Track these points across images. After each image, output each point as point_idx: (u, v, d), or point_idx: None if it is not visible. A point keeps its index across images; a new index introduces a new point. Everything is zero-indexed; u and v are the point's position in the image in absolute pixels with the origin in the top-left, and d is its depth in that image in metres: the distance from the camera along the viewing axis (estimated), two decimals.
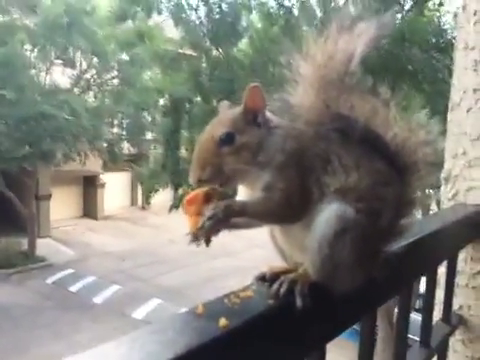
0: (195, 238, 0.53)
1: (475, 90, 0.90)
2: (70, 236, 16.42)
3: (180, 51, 9.76)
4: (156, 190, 10.48)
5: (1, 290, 11.91)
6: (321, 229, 0.52)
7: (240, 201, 0.56)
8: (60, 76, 14.14)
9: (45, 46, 13.20)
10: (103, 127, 15.03)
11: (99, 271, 13.19)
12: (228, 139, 0.56)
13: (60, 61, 14.35)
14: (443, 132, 0.67)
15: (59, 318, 10.41)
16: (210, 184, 0.55)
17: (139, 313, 10.87)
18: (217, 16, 8.17)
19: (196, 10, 8.64)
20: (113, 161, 15.58)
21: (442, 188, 0.99)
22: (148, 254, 14.51)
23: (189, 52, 10.13)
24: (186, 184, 9.72)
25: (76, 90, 14.65)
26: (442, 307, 0.91)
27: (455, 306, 0.95)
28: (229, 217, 0.53)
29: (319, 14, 7.59)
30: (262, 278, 0.56)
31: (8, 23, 12.26)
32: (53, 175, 16.11)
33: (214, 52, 9.02)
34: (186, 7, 9.22)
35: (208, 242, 0.53)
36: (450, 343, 0.96)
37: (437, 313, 0.98)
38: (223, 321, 0.44)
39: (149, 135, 15.41)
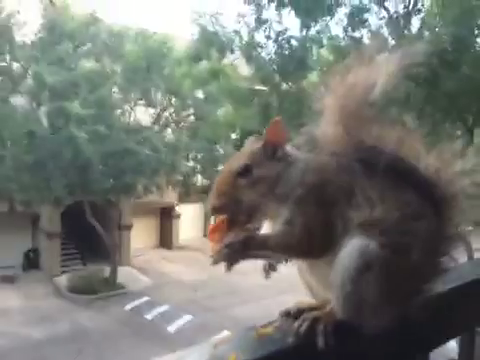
0: (215, 263, 0.53)
1: None
2: (147, 265, 17.17)
3: (251, 87, 10.12)
4: None
5: (84, 315, 12.70)
6: (343, 265, 0.50)
7: (262, 234, 0.55)
8: (142, 115, 15.36)
9: (129, 88, 14.49)
10: (179, 161, 15.86)
11: (173, 300, 13.54)
12: (245, 171, 0.57)
13: (143, 101, 15.59)
14: None
15: (135, 345, 10.77)
16: (225, 213, 0.55)
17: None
18: (286, 52, 8.39)
19: (264, 47, 8.96)
20: (187, 193, 16.27)
21: None
22: (220, 285, 14.62)
23: (259, 87, 10.48)
24: None
25: (156, 127, 15.73)
26: None
27: None
28: (247, 249, 0.53)
29: (391, 42, 7.47)
30: (288, 314, 0.54)
31: (100, 69, 13.71)
32: (133, 207, 17.16)
33: (284, 86, 9.21)
34: (257, 45, 9.61)
35: (229, 268, 0.52)
36: None
37: None
38: (233, 357, 0.43)
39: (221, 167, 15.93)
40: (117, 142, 13.16)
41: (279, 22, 8.59)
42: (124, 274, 15.68)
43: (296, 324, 0.50)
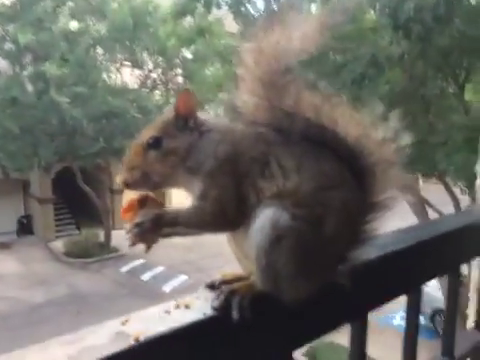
0: (132, 244, 0.50)
1: None
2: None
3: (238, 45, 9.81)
4: None
5: (81, 277, 12.96)
6: (256, 238, 0.48)
7: (173, 210, 0.52)
8: (129, 77, 14.94)
9: (114, 48, 13.99)
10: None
11: (167, 262, 13.80)
12: (155, 143, 0.54)
13: (129, 63, 15.12)
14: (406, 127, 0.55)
15: (132, 305, 11.07)
16: (137, 188, 0.52)
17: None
18: (274, 6, 8.07)
19: (252, 3, 8.60)
20: None
21: (477, 181, 0.88)
22: (213, 246, 14.89)
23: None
24: None
25: (143, 89, 15.36)
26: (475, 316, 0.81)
27: None
28: (158, 226, 0.51)
29: None
30: (212, 286, 0.52)
31: (82, 29, 13.15)
32: None
33: None
34: (245, 1, 9.21)
35: (147, 249, 0.50)
36: None
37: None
38: (137, 334, 0.41)
39: None
40: (102, 104, 12.86)
41: None
42: (118, 237, 15.85)
43: (214, 296, 0.48)
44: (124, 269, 13.95)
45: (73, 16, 13.27)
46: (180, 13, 12.91)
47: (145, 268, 13.73)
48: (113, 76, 14.70)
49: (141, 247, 0.53)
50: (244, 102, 0.53)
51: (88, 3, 13.57)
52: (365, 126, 0.54)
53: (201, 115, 0.55)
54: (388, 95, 7.62)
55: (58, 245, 15.62)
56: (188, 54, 15.02)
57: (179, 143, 0.54)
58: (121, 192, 0.55)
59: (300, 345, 0.52)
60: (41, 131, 12.70)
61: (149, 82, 15.54)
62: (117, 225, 16.90)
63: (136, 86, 15.06)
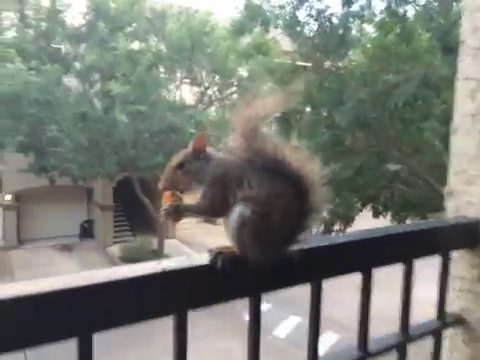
0: (163, 220, 0.85)
1: (473, 115, 0.97)
2: (191, 238, 17.93)
3: (292, 64, 10.02)
4: None
5: None
6: (232, 222, 0.79)
7: (187, 204, 0.85)
8: (187, 94, 15.71)
9: (174, 67, 14.81)
10: (224, 138, 16.13)
11: (273, 295, 13.89)
12: (180, 166, 0.86)
13: (187, 80, 15.90)
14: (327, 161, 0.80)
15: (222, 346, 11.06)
16: (169, 190, 0.85)
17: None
18: (327, 30, 8.21)
19: (306, 25, 8.81)
20: None
21: (446, 203, 1.04)
22: None
23: (301, 64, 10.35)
24: None
25: (200, 106, 16.03)
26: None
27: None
28: (177, 212, 0.83)
29: (436, 17, 7.08)
30: (211, 250, 0.82)
31: (144, 49, 14.09)
32: None
33: (326, 64, 9.05)
34: (299, 22, 9.44)
35: (174, 223, 0.79)
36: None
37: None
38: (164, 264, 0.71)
39: None
40: (162, 120, 13.60)
41: (319, 0, 8.39)
42: (170, 246, 16.52)
43: (208, 254, 0.79)
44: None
45: (136, 37, 14.27)
46: (238, 31, 13.45)
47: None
48: (172, 93, 15.52)
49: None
50: (233, 143, 0.79)
51: (150, 24, 14.52)
52: (303, 160, 0.82)
53: (208, 149, 0.81)
54: (443, 115, 7.45)
55: (115, 250, 16.56)
56: (244, 72, 15.52)
57: (194, 167, 0.85)
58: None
59: (265, 291, 0.80)
60: (106, 144, 13.68)
61: (205, 99, 16.19)
62: (170, 234, 17.63)
63: (193, 102, 15.76)
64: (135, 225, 18.88)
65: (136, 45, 14.28)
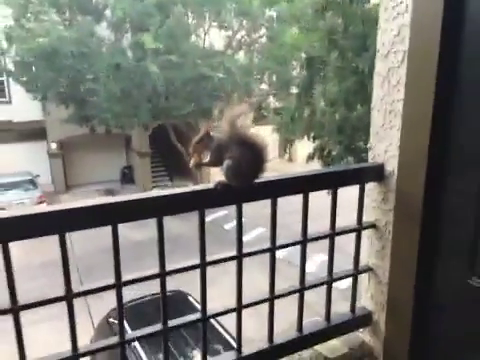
0: (191, 167, 1.39)
1: (381, 99, 1.48)
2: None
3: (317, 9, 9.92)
4: (289, 141, 11.11)
5: (173, 224, 14.82)
6: (224, 168, 1.29)
7: (203, 161, 1.35)
8: (216, 39, 15.79)
9: (202, 12, 14.82)
10: (252, 84, 16.34)
11: (248, 214, 14.95)
12: (199, 141, 1.35)
13: (215, 24, 15.88)
14: None
15: (215, 248, 12.53)
16: (194, 153, 1.35)
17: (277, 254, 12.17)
18: None
19: None
20: (261, 116, 16.93)
21: (369, 153, 1.59)
22: (291, 203, 15.74)
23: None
24: (322, 136, 10.24)
25: (229, 51, 16.12)
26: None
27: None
28: (198, 165, 1.36)
29: None
30: (217, 184, 1.34)
31: None
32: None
33: (352, 8, 8.97)
34: None
35: (197, 169, 1.37)
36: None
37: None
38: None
39: (294, 89, 16.11)
40: (192, 69, 13.92)
41: None
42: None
43: (214, 183, 1.33)
44: (209, 218, 15.54)
45: None
46: None
47: (227, 219, 15.14)
48: (201, 39, 15.65)
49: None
50: (223, 128, 1.35)
51: None
52: (257, 137, 1.35)
53: (212, 133, 1.37)
54: None
55: None
56: (274, 13, 15.30)
57: (205, 142, 1.34)
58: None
59: (244, 201, 1.35)
60: (139, 94, 14.28)
61: (234, 44, 16.23)
62: (204, 180, 18.59)
63: (222, 48, 15.86)
64: (171, 170, 19.96)
65: None
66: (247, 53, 16.59)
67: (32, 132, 18.55)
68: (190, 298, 8.19)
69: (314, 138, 10.58)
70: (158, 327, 1.29)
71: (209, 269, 1.36)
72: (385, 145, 1.47)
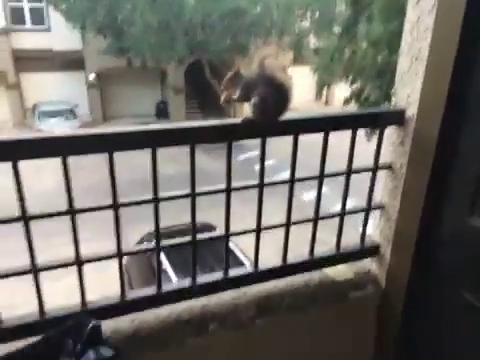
0: (222, 103, 1.48)
1: (409, 45, 1.52)
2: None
3: None
4: (327, 83, 10.82)
5: (204, 160, 15.17)
6: (251, 104, 1.37)
7: (233, 96, 1.43)
8: None
9: None
10: (292, 21, 15.65)
11: (278, 156, 15.11)
12: (230, 78, 1.41)
13: None
14: None
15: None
16: (226, 90, 1.43)
17: (306, 196, 12.36)
18: None
19: None
20: (300, 55, 16.36)
21: (392, 98, 1.67)
22: (317, 148, 15.60)
23: None
24: (361, 79, 9.91)
25: None
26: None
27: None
28: (228, 101, 1.44)
29: None
30: (244, 119, 1.44)
31: None
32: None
33: None
34: None
35: (225, 103, 1.48)
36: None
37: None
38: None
39: (337, 29, 15.32)
40: (229, 1, 13.42)
41: None
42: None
43: (240, 119, 1.44)
44: (241, 158, 15.77)
45: None
46: None
47: (258, 160, 15.34)
48: None
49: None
50: (253, 68, 1.42)
51: None
52: (284, 76, 1.40)
53: (241, 71, 1.47)
54: None
55: None
56: None
57: (235, 79, 1.41)
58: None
59: (269, 136, 1.47)
60: (176, 25, 14.04)
61: None
62: (237, 116, 18.52)
63: None
64: (205, 107, 20.00)
65: None
66: None
67: (71, 62, 18.80)
68: (217, 230, 8.74)
69: (353, 81, 10.25)
70: (187, 238, 1.51)
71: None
72: (408, 91, 1.53)
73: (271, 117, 1.44)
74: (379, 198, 1.76)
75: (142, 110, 20.42)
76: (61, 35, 17.74)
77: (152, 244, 1.48)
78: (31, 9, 18.66)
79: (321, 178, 1.60)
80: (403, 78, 1.55)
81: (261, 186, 1.57)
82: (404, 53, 1.53)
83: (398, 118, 1.57)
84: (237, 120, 1.45)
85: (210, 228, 8.50)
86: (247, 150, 16.44)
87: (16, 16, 18.39)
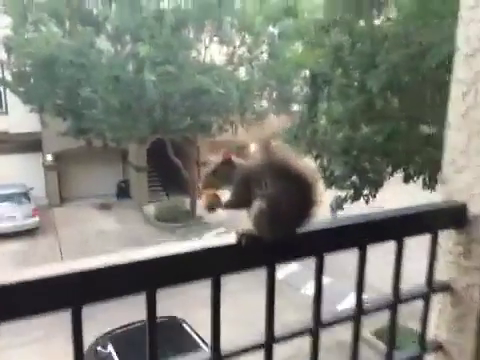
0: (208, 210, 1.01)
1: (462, 115, 1.09)
2: (224, 199, 18.42)
3: (323, 25, 9.71)
4: None
5: (169, 240, 14.35)
6: (253, 211, 0.94)
7: (221, 200, 1.02)
8: (217, 55, 15.58)
9: (201, 26, 14.64)
10: (252, 100, 16.09)
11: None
12: (214, 173, 1.02)
13: (216, 39, 15.67)
14: None
15: (288, 317, 11.81)
16: (205, 189, 1.03)
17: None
18: None
19: None
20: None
21: (440, 188, 1.20)
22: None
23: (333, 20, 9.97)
24: (325, 154, 9.90)
25: (230, 67, 15.90)
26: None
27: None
28: (214, 208, 1.01)
29: None
30: (241, 236, 0.99)
31: (172, 9, 13.85)
32: (209, 145, 18.10)
33: (360, 24, 8.74)
34: None
35: (210, 211, 0.96)
36: None
37: None
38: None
39: (295, 107, 15.85)
40: (190, 82, 13.62)
41: None
42: (201, 207, 17.06)
43: (235, 235, 0.97)
44: (207, 235, 15.07)
45: None
46: None
47: (307, 277, 14.60)
48: (201, 54, 15.43)
49: (220, 217, 1.01)
50: (254, 154, 0.97)
51: None
52: (304, 165, 1.00)
53: (233, 158, 1.00)
54: None
55: (150, 209, 17.31)
56: (276, 30, 15.13)
57: (223, 172, 1.01)
58: (206, 165, 1.07)
59: (278, 262, 0.99)
60: (137, 106, 13.97)
61: (235, 59, 16.02)
62: (204, 194, 18.11)
63: (223, 63, 15.64)
64: (168, 185, 19.53)
65: (165, 4, 14.10)
66: (248, 69, 16.38)
67: (28, 144, 18.18)
68: (185, 325, 7.68)
69: (316, 157, 10.26)
70: None
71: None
72: (469, 178, 1.08)
73: (286, 230, 0.94)
74: (432, 332, 1.22)
75: (102, 190, 19.62)
76: (18, 118, 17.29)
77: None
78: None
79: (359, 318, 1.05)
80: (457, 160, 1.10)
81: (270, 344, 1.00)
82: (455, 126, 1.10)
83: (456, 217, 1.09)
84: (229, 240, 0.92)
85: (177, 322, 7.53)
86: (211, 227, 15.86)
87: None
